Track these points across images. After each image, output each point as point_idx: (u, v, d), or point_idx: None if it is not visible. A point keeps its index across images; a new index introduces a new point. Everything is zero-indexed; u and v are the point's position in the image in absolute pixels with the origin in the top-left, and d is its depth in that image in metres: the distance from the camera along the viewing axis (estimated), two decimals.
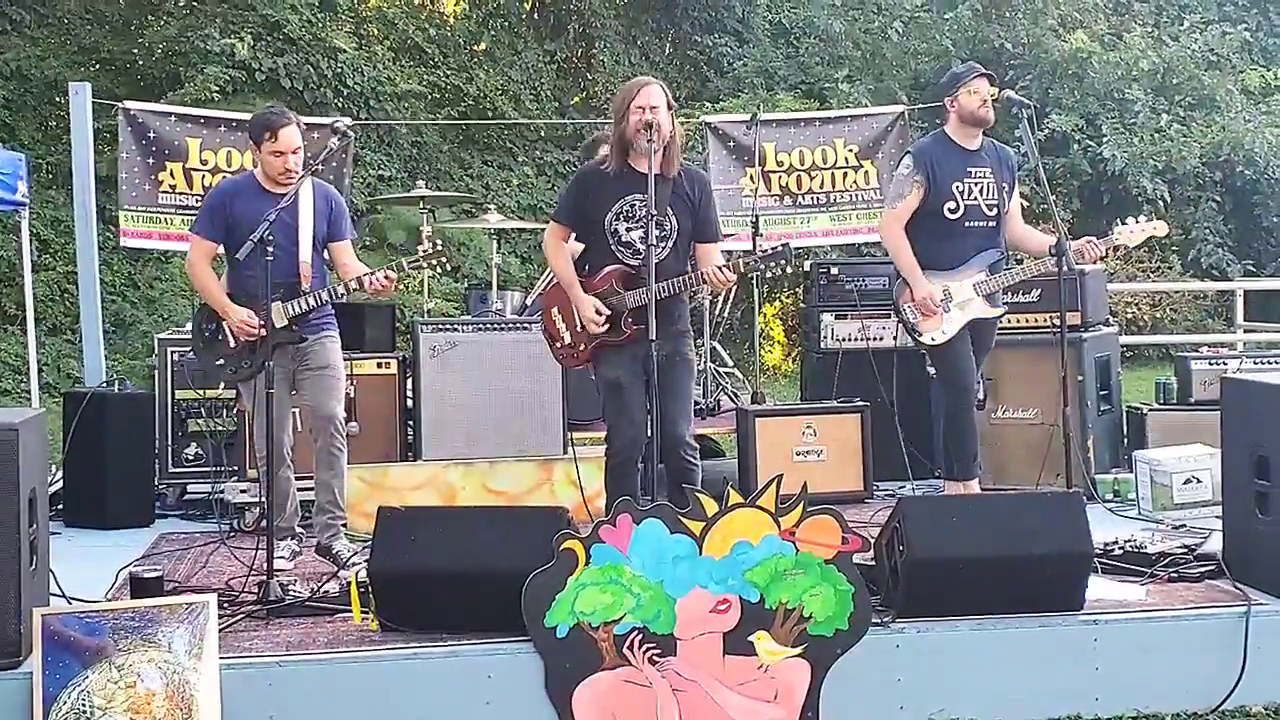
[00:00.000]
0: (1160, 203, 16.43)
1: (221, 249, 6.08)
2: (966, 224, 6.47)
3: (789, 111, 14.37)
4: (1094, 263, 6.69)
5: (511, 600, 4.45)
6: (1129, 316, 15.59)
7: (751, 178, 8.91)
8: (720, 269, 5.62)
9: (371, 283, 5.81)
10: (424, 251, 5.95)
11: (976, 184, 6.50)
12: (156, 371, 7.54)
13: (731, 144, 9.12)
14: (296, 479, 6.17)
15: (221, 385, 6.81)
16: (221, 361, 6.02)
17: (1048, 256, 6.34)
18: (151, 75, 15.65)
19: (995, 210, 6.52)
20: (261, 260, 5.53)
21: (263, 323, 5.73)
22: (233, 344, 5.95)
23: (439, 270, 5.99)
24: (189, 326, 8.04)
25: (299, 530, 6.23)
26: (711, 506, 4.54)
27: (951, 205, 6.45)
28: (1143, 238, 6.53)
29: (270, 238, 5.48)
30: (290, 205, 5.83)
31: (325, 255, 6.14)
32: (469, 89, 16.88)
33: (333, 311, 6.19)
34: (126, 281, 14.24)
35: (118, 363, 12.18)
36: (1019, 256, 7.19)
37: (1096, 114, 16.87)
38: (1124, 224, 6.51)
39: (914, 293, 6.45)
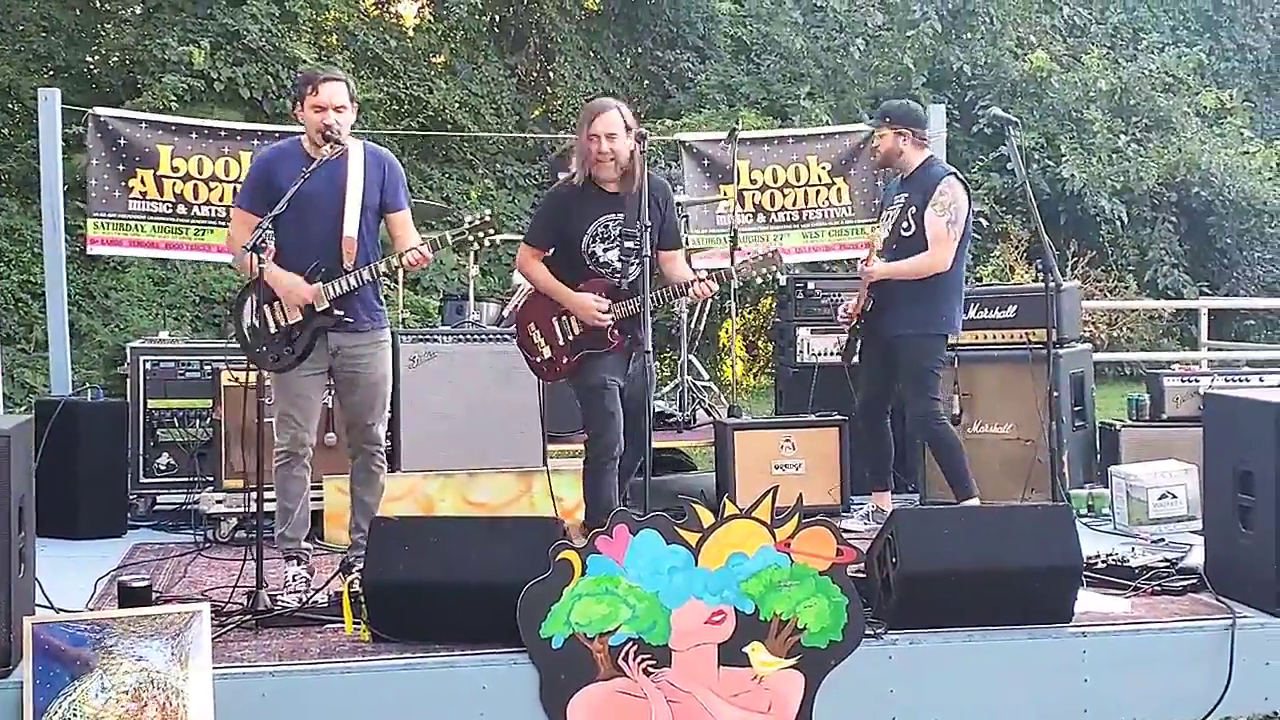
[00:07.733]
0: (1118, 223, 16.61)
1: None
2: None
3: (753, 128, 14.45)
4: None
5: (506, 611, 4.44)
6: (1085, 335, 15.68)
7: (727, 194, 8.91)
8: (704, 281, 5.66)
9: (412, 258, 5.41)
10: (471, 223, 5.58)
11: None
12: (129, 380, 7.44)
13: (707, 161, 9.10)
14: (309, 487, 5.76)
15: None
16: (263, 349, 5.47)
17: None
18: (109, 83, 15.44)
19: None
20: (292, 231, 5.25)
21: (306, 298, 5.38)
22: (273, 329, 5.47)
23: (489, 244, 5.70)
24: (161, 335, 8.04)
25: (306, 546, 5.75)
26: (707, 518, 4.56)
27: None
28: None
29: (287, 207, 5.13)
30: (335, 171, 5.38)
31: (380, 228, 5.65)
32: (429, 100, 16.81)
33: (384, 307, 5.77)
34: (81, 291, 14.03)
35: (75, 372, 11.99)
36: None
37: (1055, 134, 17.03)
38: None
39: None
